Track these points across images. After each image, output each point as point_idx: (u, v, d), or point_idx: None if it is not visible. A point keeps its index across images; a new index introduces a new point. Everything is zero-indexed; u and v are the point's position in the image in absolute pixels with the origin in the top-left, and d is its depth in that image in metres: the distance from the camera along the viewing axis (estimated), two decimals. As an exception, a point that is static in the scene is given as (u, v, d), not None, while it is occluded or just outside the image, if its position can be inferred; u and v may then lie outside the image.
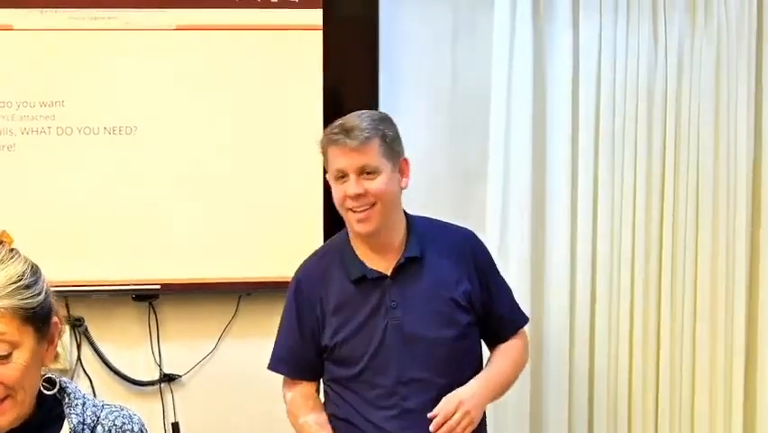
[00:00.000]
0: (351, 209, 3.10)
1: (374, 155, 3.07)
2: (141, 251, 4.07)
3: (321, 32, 4.07)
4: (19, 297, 2.00)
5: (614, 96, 4.04)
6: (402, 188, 3.19)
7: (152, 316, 4.13)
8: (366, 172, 3.07)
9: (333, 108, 4.04)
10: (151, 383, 4.15)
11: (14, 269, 2.02)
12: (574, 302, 4.05)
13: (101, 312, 4.05)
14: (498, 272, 3.31)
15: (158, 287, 4.07)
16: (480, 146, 4.08)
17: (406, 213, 3.25)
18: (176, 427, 4.12)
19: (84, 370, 4.08)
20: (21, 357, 2.02)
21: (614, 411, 4.06)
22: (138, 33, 4.04)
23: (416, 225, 3.24)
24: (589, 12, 4.02)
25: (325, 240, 3.98)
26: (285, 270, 4.00)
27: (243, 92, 4.09)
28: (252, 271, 4.10)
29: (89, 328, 4.09)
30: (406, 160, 3.19)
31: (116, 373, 4.12)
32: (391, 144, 3.12)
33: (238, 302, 4.15)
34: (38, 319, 2.05)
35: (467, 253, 3.21)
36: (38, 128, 4.02)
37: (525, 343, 3.38)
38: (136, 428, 2.23)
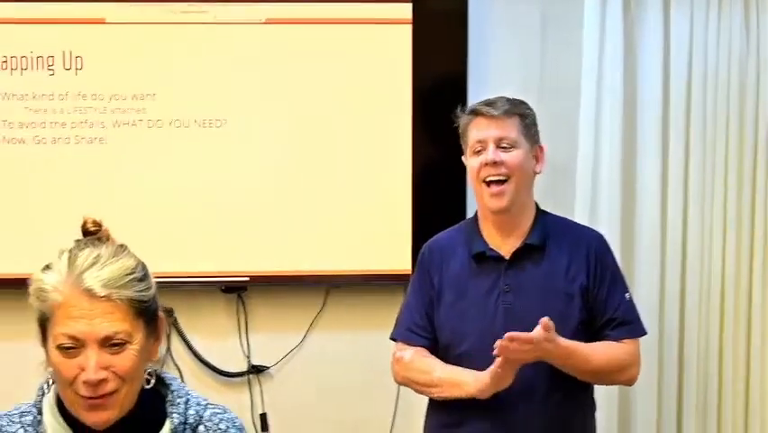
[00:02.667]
0: (485, 181, 3.13)
1: (513, 129, 3.15)
2: (230, 243, 4.09)
3: (410, 25, 4.06)
4: (134, 288, 2.01)
5: (705, 89, 4.00)
6: (536, 173, 3.22)
7: (241, 308, 4.15)
8: (504, 145, 3.13)
9: (422, 102, 4.06)
10: (240, 375, 4.17)
11: (128, 261, 2.04)
12: (664, 299, 4.02)
13: (190, 304, 4.07)
14: (622, 280, 3.26)
15: (247, 279, 4.10)
16: (568, 140, 4.06)
17: (537, 205, 3.26)
18: (264, 418, 4.15)
19: (173, 360, 4.11)
20: (133, 349, 2.03)
21: (703, 406, 4.03)
22: (228, 27, 4.06)
23: (545, 215, 3.27)
24: (681, 3, 3.99)
25: (414, 234, 4.02)
26: (373, 263, 4.06)
27: (332, 85, 4.09)
28: (340, 264, 4.11)
29: (179, 319, 4.11)
30: (541, 147, 3.25)
31: (205, 364, 4.15)
32: (529, 127, 3.20)
33: (326, 295, 4.16)
34: (148, 313, 2.06)
35: (590, 251, 3.19)
36: (129, 121, 4.05)
37: (632, 354, 3.20)
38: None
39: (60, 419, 2.13)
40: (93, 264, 1.99)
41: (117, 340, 2.00)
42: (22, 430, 2.14)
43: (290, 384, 4.18)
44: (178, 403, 2.16)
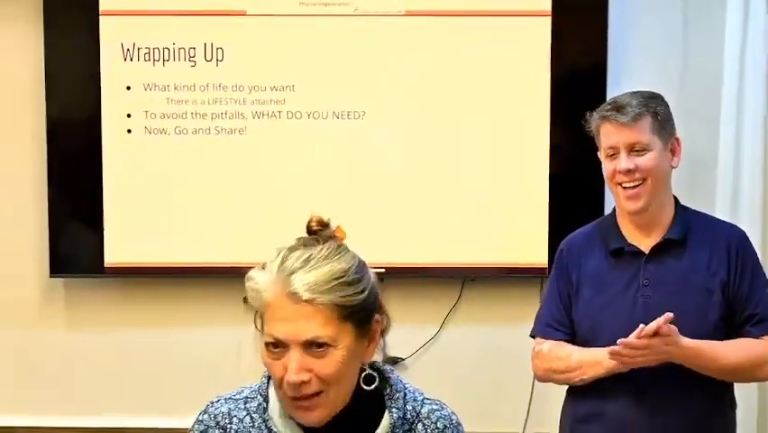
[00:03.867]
0: (620, 185, 3.11)
1: (645, 132, 3.09)
2: (366, 233, 4.07)
3: (550, 18, 4.05)
4: (340, 293, 1.97)
5: None
6: (673, 167, 3.18)
7: (377, 299, 4.16)
8: (636, 149, 3.09)
9: (561, 94, 4.03)
10: (375, 366, 4.17)
11: (339, 265, 2.01)
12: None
13: (327, 295, 4.08)
14: (764, 276, 3.21)
15: (383, 270, 4.05)
16: (709, 134, 4.01)
17: (676, 199, 3.23)
18: (398, 410, 4.14)
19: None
20: (337, 353, 1.99)
21: None
22: (368, 19, 4.08)
23: (685, 210, 3.23)
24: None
25: (551, 228, 4.00)
26: (509, 256, 4.05)
27: (471, 78, 4.09)
28: (477, 256, 4.10)
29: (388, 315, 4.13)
30: (677, 139, 3.19)
31: (341, 355, 4.16)
32: (663, 123, 3.13)
33: (462, 287, 4.17)
34: (358, 316, 2.02)
35: (732, 246, 3.15)
36: (268, 112, 4.09)
37: None
38: (455, 431, 2.19)
39: (285, 410, 2.12)
40: (302, 267, 1.98)
41: (320, 343, 1.98)
42: (248, 417, 2.14)
43: (425, 376, 4.16)
44: (397, 398, 2.13)
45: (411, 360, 4.18)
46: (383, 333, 2.13)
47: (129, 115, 4.12)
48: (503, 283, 4.12)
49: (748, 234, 3.27)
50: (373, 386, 2.09)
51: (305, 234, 2.09)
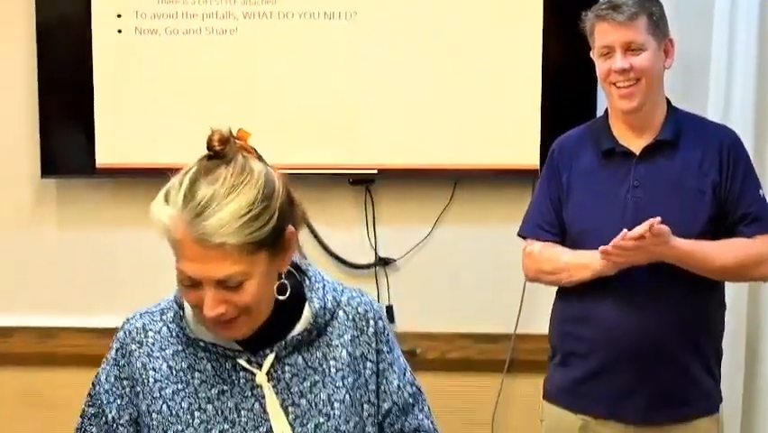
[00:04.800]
0: (614, 84, 3.12)
1: (640, 31, 3.10)
2: (358, 136, 4.10)
3: None
4: (248, 230, 1.94)
5: None
6: (666, 68, 3.19)
7: (369, 200, 4.17)
8: (632, 48, 3.10)
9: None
10: (367, 267, 4.21)
11: (245, 197, 1.94)
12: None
13: (318, 196, 4.07)
14: (755, 176, 3.23)
15: (375, 171, 4.11)
16: (702, 36, 3.97)
17: (669, 101, 3.23)
18: (390, 310, 4.18)
19: (301, 252, 4.14)
20: (252, 282, 1.99)
21: None
22: None
23: (677, 112, 3.24)
24: None
25: (543, 130, 3.99)
26: (501, 157, 4.05)
27: (463, -23, 4.05)
28: (468, 157, 4.09)
29: (306, 211, 4.13)
30: (671, 40, 3.21)
31: (332, 255, 4.19)
32: (658, 23, 3.14)
33: (454, 188, 4.16)
34: (270, 242, 1.99)
35: (724, 147, 3.16)
36: (259, 12, 4.06)
37: (765, 251, 3.15)
38: (377, 315, 2.22)
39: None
40: (205, 208, 1.92)
41: (234, 280, 1.97)
42: (165, 328, 2.16)
43: (417, 277, 4.21)
44: (317, 288, 2.15)
45: (403, 261, 4.20)
46: (297, 240, 2.10)
47: (119, 15, 4.07)
48: (495, 184, 4.12)
49: (740, 137, 3.28)
50: (287, 295, 2.08)
51: (209, 152, 2.01)
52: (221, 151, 1.99)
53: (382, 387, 2.20)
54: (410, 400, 2.24)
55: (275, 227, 1.98)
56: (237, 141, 2.04)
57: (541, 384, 3.37)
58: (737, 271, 3.18)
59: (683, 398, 3.14)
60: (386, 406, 2.20)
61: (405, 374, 2.25)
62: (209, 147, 2.00)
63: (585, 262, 3.13)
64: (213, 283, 1.96)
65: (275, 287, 2.06)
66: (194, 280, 1.97)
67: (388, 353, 2.22)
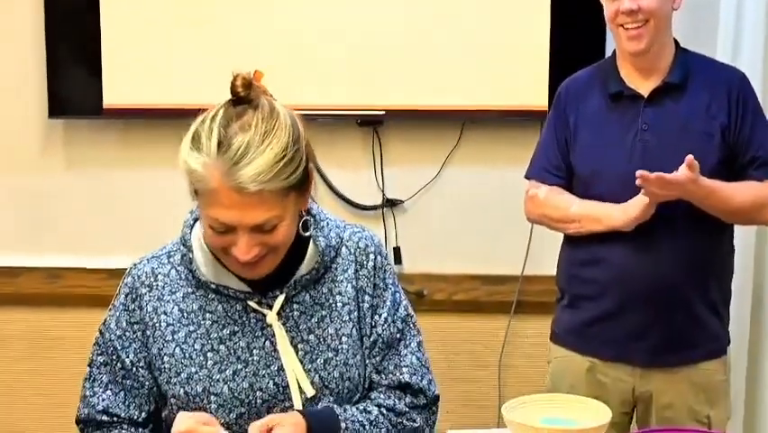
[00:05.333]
0: (622, 26, 3.09)
1: None
2: (366, 77, 4.08)
3: None
4: (284, 175, 1.98)
5: None
6: (674, 9, 3.16)
7: (376, 141, 4.16)
8: None
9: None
10: (374, 208, 4.21)
11: (279, 142, 1.97)
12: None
13: (326, 137, 4.07)
14: (763, 116, 3.21)
15: (383, 113, 4.09)
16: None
17: (677, 42, 3.21)
18: (397, 251, 4.19)
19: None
20: (284, 224, 2.04)
21: None
22: None
23: (685, 53, 3.21)
24: None
25: (551, 71, 3.97)
26: (509, 99, 4.04)
27: None
28: (476, 99, 4.07)
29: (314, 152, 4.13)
30: None
31: (340, 197, 4.19)
32: None
33: (461, 130, 4.15)
34: (299, 184, 2.04)
35: (732, 89, 3.14)
36: (267, -48, 4.03)
37: None
38: (377, 250, 2.27)
39: (210, 256, 2.17)
40: (243, 156, 1.94)
41: (269, 225, 2.01)
42: (173, 271, 2.19)
43: (424, 218, 4.21)
44: (322, 227, 2.20)
45: (410, 203, 4.20)
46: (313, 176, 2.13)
47: (126, -46, 4.05)
48: (503, 126, 4.11)
49: (749, 77, 3.26)
50: (310, 231, 2.15)
51: (232, 97, 2.04)
52: (246, 95, 2.02)
53: (373, 320, 2.23)
54: (397, 336, 2.26)
55: (304, 169, 2.03)
56: (256, 83, 2.05)
57: (548, 326, 3.37)
58: (749, 213, 3.18)
59: (691, 340, 3.15)
60: (372, 339, 2.24)
61: (397, 310, 2.27)
62: (233, 92, 2.02)
63: (600, 216, 3.11)
64: (248, 228, 2.00)
65: (299, 224, 2.11)
66: (228, 225, 2.00)
67: (384, 289, 2.25)
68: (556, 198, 3.23)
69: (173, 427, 2.06)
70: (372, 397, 2.25)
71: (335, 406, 2.17)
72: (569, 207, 3.19)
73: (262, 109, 2.01)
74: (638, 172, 2.91)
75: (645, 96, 3.14)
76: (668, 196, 2.97)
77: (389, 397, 2.24)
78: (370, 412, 2.21)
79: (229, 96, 2.04)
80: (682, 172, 2.91)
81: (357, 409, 2.20)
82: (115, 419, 2.19)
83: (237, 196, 1.95)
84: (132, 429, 2.20)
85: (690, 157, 2.90)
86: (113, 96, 4.09)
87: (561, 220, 3.22)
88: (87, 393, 2.22)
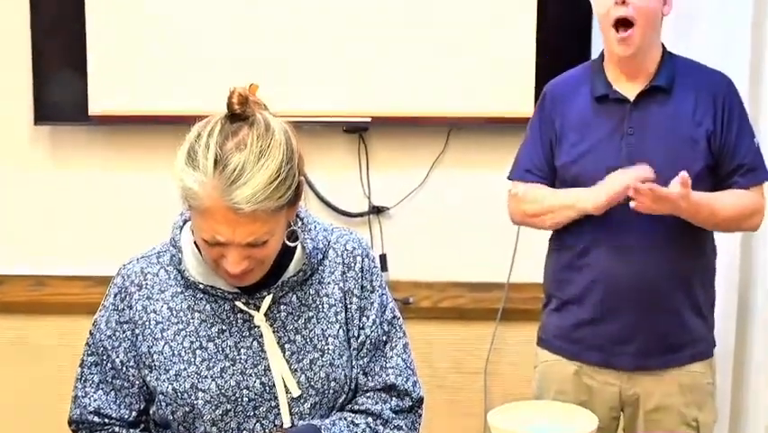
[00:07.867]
0: (613, 28, 3.08)
1: None
2: (352, 83, 4.08)
3: None
4: (278, 194, 1.99)
5: None
6: (664, 15, 3.16)
7: (362, 148, 4.16)
8: None
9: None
10: (360, 215, 4.21)
11: (274, 162, 1.99)
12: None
13: (312, 144, 4.01)
14: (748, 123, 3.22)
15: (368, 119, 4.09)
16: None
17: (664, 46, 3.22)
18: (383, 258, 4.18)
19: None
20: (274, 239, 2.07)
21: None
22: None
23: (672, 57, 3.22)
24: None
25: (537, 76, 3.97)
26: (495, 105, 4.04)
27: None
28: (462, 105, 4.08)
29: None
30: None
31: (326, 203, 4.18)
32: None
33: (447, 136, 4.15)
34: (291, 199, 2.05)
35: (718, 95, 3.15)
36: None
37: (758, 201, 3.18)
38: (365, 253, 2.29)
39: (200, 257, 2.18)
40: (239, 176, 1.96)
41: (260, 241, 2.04)
42: (162, 271, 2.22)
43: (410, 225, 4.21)
44: (309, 230, 2.22)
45: (396, 209, 4.20)
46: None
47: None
48: (489, 132, 4.10)
49: (735, 82, 3.27)
50: (297, 243, 2.17)
51: (228, 111, 2.05)
52: (242, 112, 2.03)
53: (360, 322, 2.25)
54: (383, 338, 2.28)
55: (297, 185, 2.05)
56: (252, 97, 2.07)
57: (534, 333, 3.37)
58: (735, 222, 3.19)
59: (677, 343, 3.16)
60: (360, 340, 2.26)
61: (384, 312, 2.29)
62: (229, 108, 2.03)
63: (570, 203, 3.13)
64: (240, 244, 2.02)
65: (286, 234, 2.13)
66: (220, 240, 2.02)
67: (371, 291, 2.27)
68: (534, 193, 3.24)
69: None
70: (360, 402, 2.26)
71: (320, 421, 2.20)
72: (543, 199, 3.20)
73: (258, 126, 2.02)
74: (631, 183, 2.93)
75: (631, 100, 3.15)
76: (658, 210, 2.98)
77: (376, 402, 2.26)
78: (357, 425, 2.23)
79: (223, 108, 2.05)
80: (675, 188, 2.92)
81: (344, 421, 2.22)
82: (107, 420, 2.22)
83: (231, 214, 1.97)
84: (124, 430, 2.23)
85: (683, 174, 2.92)
86: (98, 102, 4.08)
87: (537, 214, 3.23)
88: (79, 394, 2.25)
